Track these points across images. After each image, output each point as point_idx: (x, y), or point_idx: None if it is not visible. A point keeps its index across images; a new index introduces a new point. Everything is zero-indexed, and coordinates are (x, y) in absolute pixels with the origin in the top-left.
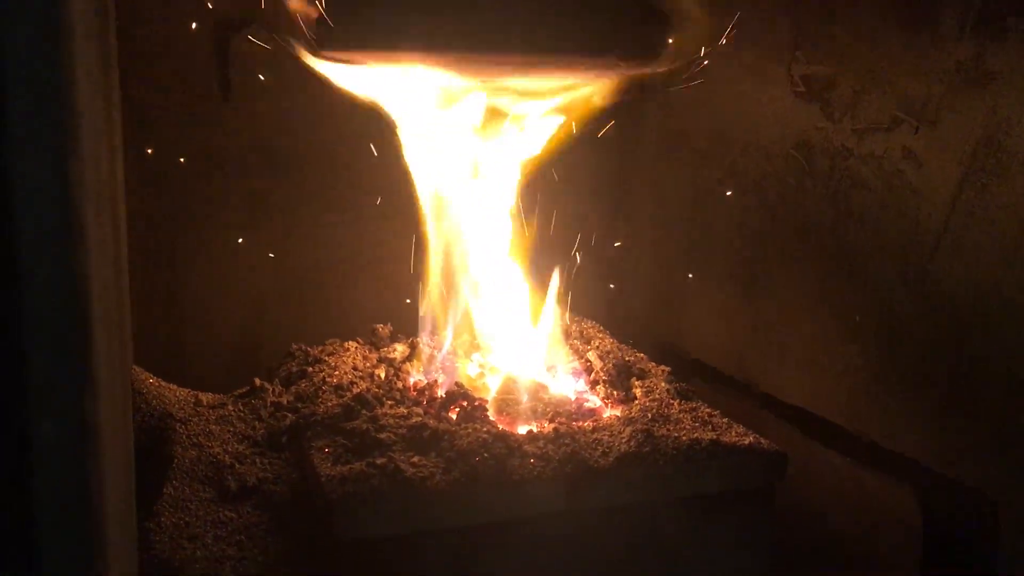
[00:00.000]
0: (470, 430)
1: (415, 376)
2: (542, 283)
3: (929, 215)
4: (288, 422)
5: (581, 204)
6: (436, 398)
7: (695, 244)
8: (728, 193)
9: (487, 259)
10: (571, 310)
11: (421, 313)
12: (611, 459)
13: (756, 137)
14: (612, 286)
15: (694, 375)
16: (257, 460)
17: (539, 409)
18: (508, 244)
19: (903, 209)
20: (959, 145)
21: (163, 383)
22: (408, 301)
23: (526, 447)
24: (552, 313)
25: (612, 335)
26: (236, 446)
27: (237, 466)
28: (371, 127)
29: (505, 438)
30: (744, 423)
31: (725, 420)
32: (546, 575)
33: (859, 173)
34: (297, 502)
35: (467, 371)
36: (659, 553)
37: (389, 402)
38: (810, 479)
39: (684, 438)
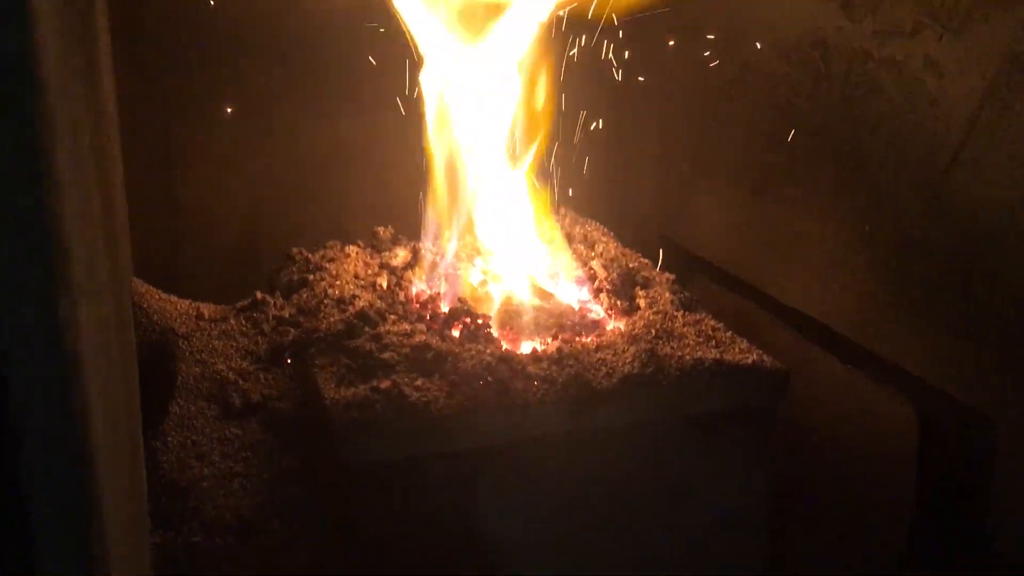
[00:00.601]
0: (473, 352)
1: (417, 285)
2: (545, 183)
3: (947, 129)
4: (291, 337)
5: (585, 99)
6: (439, 313)
7: (703, 143)
8: (740, 91)
9: (491, 159)
10: (575, 210)
11: (423, 217)
12: (614, 380)
13: (771, 34)
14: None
15: (699, 274)
16: (261, 376)
17: (542, 321)
18: (512, 144)
19: (920, 120)
20: (984, 59)
21: (163, 296)
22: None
23: (530, 368)
24: (556, 216)
25: (616, 236)
26: (239, 362)
27: (241, 383)
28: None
29: (509, 360)
30: (747, 327)
31: (729, 334)
32: (548, 496)
33: (877, 79)
34: (301, 420)
35: (470, 279)
36: (660, 473)
37: (392, 317)
38: (810, 388)
39: (687, 357)
